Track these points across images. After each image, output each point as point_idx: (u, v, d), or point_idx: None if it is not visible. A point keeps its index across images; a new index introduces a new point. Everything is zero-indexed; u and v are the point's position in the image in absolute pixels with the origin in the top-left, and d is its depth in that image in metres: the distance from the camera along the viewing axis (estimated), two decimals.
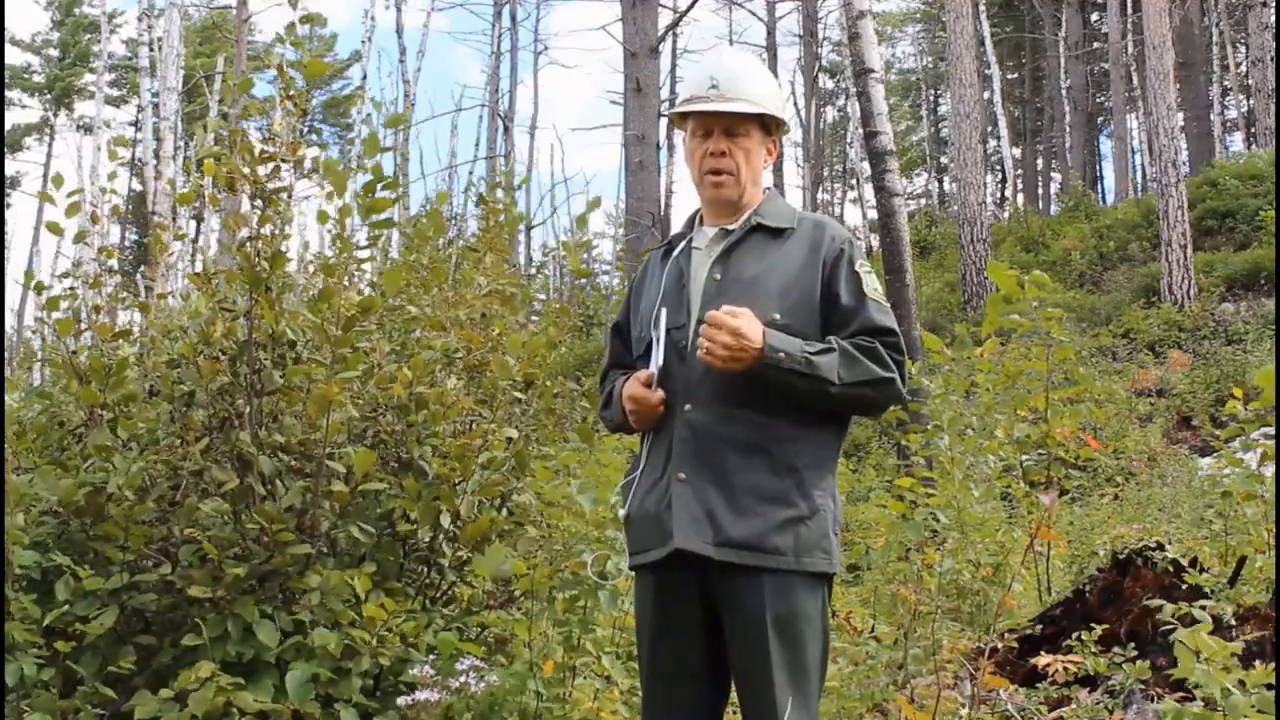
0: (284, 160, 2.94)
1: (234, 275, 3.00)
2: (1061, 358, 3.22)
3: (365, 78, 23.96)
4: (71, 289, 3.22)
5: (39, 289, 3.11)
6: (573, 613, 3.03)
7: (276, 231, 2.95)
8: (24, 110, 36.24)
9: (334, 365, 2.91)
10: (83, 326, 3.24)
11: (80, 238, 3.29)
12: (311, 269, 3.93)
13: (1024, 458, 3.97)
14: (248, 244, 2.93)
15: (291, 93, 2.98)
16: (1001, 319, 3.09)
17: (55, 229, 3.20)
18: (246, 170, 2.90)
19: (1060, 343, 3.08)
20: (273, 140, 2.94)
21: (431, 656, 2.86)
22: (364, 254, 3.35)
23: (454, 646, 2.85)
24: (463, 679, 2.69)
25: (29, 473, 2.97)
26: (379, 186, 3.00)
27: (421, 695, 2.52)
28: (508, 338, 3.52)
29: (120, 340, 3.12)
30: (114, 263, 3.47)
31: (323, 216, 3.15)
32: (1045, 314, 2.91)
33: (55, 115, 36.04)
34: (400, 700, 2.61)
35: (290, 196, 3.00)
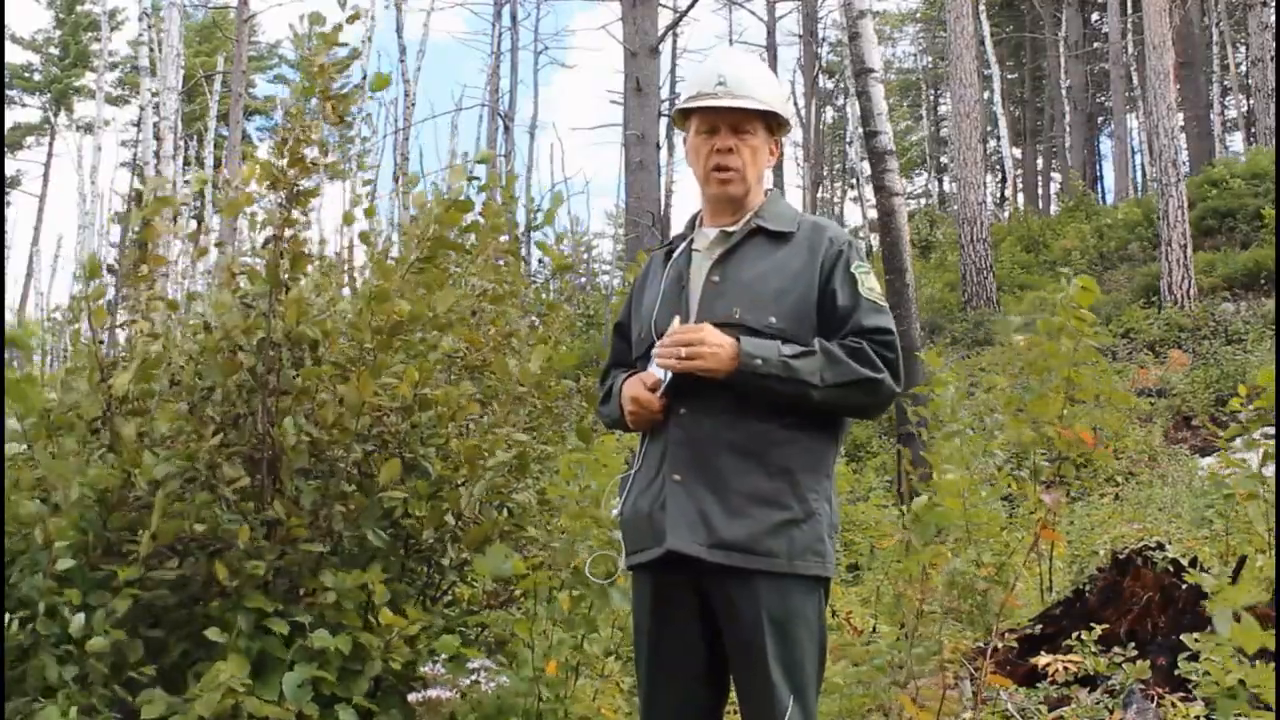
0: (314, 164, 2.95)
1: (255, 274, 3.00)
2: (1087, 359, 3.24)
3: (365, 77, 23.96)
4: (102, 285, 3.21)
5: (94, 273, 3.10)
6: (578, 612, 3.04)
7: (299, 233, 2.97)
8: (24, 109, 36.29)
9: (366, 367, 2.92)
10: (115, 321, 3.24)
11: (148, 235, 3.27)
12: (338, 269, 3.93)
13: (1030, 458, 3.98)
14: (272, 243, 2.94)
15: (331, 100, 2.99)
16: (1049, 323, 3.13)
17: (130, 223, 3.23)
18: (279, 170, 2.91)
19: (1090, 346, 3.10)
20: (308, 142, 2.94)
21: (441, 657, 2.86)
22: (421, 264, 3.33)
23: (456, 649, 2.85)
24: (472, 679, 2.69)
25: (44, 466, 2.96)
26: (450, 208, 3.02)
27: (434, 692, 2.52)
28: (524, 341, 3.53)
29: (154, 337, 3.12)
30: (113, 262, 3.46)
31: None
32: (1078, 318, 2.93)
33: (55, 115, 36.05)
34: (411, 696, 2.60)
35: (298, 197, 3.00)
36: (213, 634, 2.70)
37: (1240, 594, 2.06)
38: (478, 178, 3.35)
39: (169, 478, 2.86)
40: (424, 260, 3.09)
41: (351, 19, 3.12)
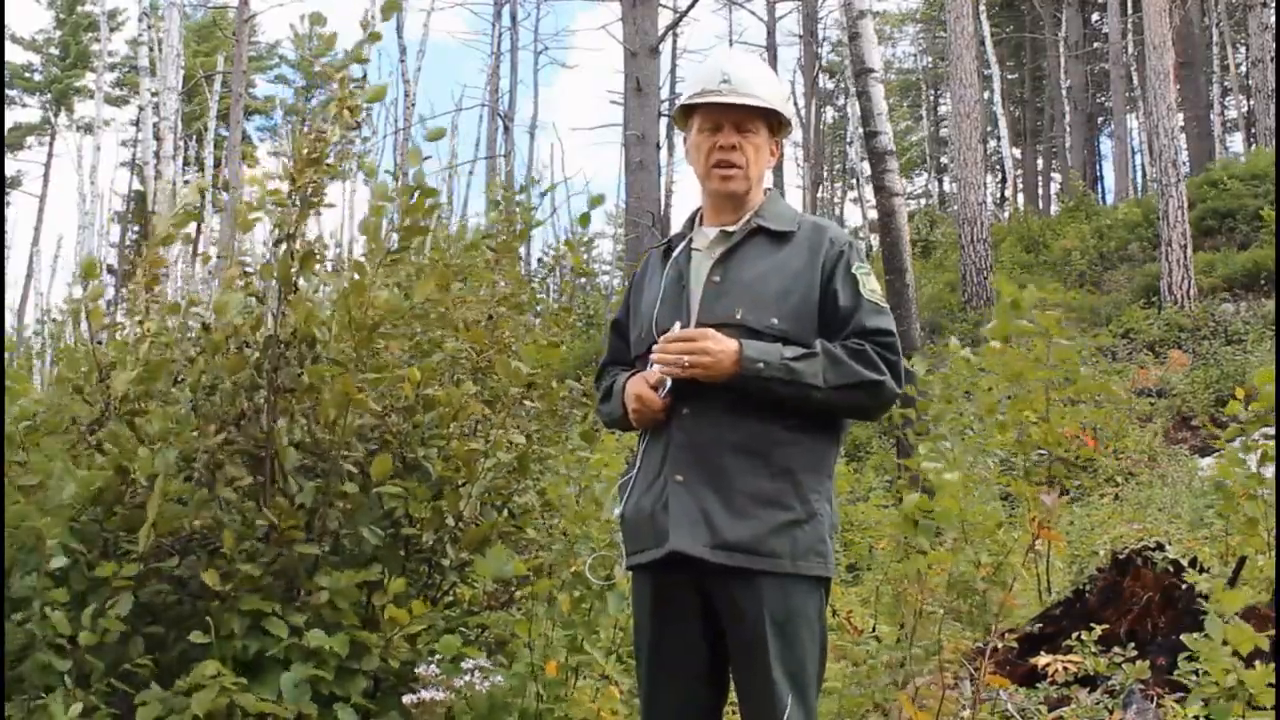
0: (329, 167, 2.96)
1: (269, 269, 3.01)
2: (1062, 359, 3.24)
3: (365, 77, 23.94)
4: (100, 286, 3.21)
5: (92, 275, 3.10)
6: (578, 613, 3.04)
7: (309, 233, 2.98)
8: (24, 110, 36.27)
9: (356, 364, 2.93)
10: (109, 322, 3.25)
11: (190, 239, 3.28)
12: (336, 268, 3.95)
13: (1022, 459, 3.99)
14: (284, 242, 2.95)
15: (349, 103, 3.00)
16: (1010, 326, 3.13)
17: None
18: (295, 171, 2.92)
19: (1060, 345, 3.10)
20: (324, 144, 2.95)
21: (436, 658, 2.86)
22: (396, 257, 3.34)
23: (456, 649, 2.86)
24: (467, 679, 2.69)
25: (35, 471, 2.96)
26: (417, 194, 3.03)
27: (426, 694, 2.52)
28: (520, 343, 3.53)
29: (154, 336, 3.12)
30: (113, 262, 3.46)
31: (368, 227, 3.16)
32: (1043, 317, 2.94)
33: (55, 115, 36.04)
34: (406, 699, 2.60)
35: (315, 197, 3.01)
36: (196, 637, 2.70)
37: (1237, 598, 2.07)
38: (431, 156, 3.35)
39: (168, 470, 2.85)
40: (395, 253, 3.09)
41: (373, 38, 3.14)
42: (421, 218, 3.08)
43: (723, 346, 2.13)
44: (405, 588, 2.89)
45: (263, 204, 3.01)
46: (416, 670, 2.84)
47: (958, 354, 3.82)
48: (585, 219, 3.99)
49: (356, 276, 2.99)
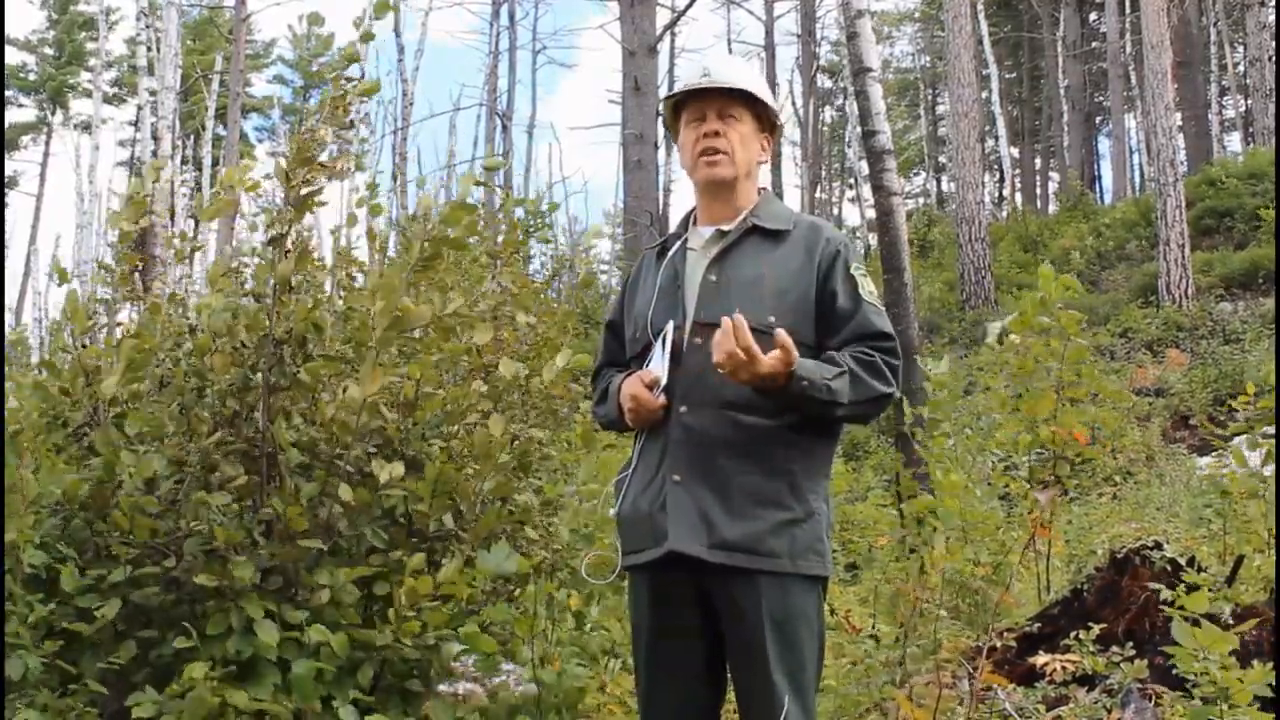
0: (322, 166, 2.97)
1: (264, 268, 3.01)
2: (1075, 359, 3.24)
3: (364, 76, 23.90)
4: (100, 290, 3.21)
5: (63, 279, 3.10)
6: (585, 610, 3.04)
7: (303, 231, 2.99)
8: (20, 109, 36.17)
9: (381, 364, 2.94)
10: (95, 323, 3.24)
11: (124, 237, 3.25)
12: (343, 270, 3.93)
13: (1025, 457, 3.98)
14: (278, 241, 2.96)
15: (340, 104, 3.01)
16: (1033, 321, 3.14)
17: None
18: (287, 170, 2.93)
19: (1078, 344, 3.10)
20: (316, 143, 2.96)
21: (469, 656, 2.86)
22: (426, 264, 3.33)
23: (474, 633, 2.86)
24: (501, 679, 2.69)
25: (29, 470, 2.96)
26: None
27: (464, 687, 2.52)
28: (550, 344, 3.54)
29: (136, 339, 3.12)
30: (112, 261, 3.45)
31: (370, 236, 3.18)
32: (1062, 316, 2.95)
33: (51, 114, 35.96)
34: (441, 687, 2.61)
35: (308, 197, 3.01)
36: (180, 643, 2.70)
37: (1200, 600, 2.07)
38: (484, 183, 3.36)
39: (159, 476, 2.85)
40: (427, 259, 3.10)
41: (366, 37, 3.14)
42: (458, 231, 3.09)
43: (769, 369, 2.06)
44: (423, 561, 2.88)
45: (228, 206, 3.01)
46: (451, 664, 2.84)
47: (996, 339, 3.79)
48: (594, 232, 4.14)
49: (387, 274, 2.99)
